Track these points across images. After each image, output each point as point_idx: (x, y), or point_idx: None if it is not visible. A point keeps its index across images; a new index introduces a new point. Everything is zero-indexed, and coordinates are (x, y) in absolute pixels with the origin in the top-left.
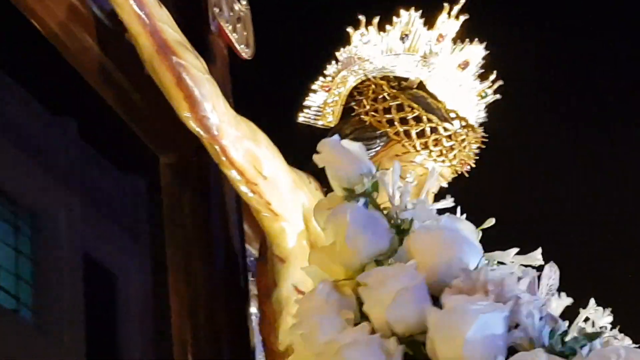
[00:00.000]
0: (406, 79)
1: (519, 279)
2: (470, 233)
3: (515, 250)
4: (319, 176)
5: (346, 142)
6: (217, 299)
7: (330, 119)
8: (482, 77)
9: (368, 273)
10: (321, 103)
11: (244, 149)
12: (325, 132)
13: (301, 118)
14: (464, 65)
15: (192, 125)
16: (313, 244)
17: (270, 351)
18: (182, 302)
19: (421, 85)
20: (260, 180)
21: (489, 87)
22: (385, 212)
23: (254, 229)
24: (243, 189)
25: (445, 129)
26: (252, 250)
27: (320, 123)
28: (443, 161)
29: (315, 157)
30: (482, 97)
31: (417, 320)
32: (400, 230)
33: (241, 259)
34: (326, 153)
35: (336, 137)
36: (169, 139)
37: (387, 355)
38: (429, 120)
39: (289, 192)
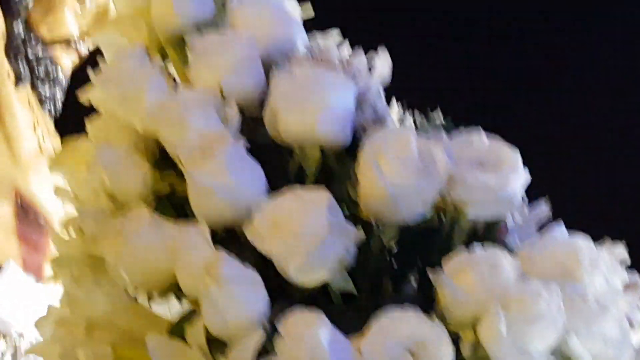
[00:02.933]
0: None
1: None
2: (294, 11)
3: (336, 30)
4: None
5: None
6: None
7: None
8: None
9: (201, 38)
10: None
11: None
12: None
13: None
14: None
15: None
16: None
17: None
18: None
19: None
20: None
21: None
22: None
23: None
24: None
25: None
26: None
27: None
28: None
29: None
30: None
31: (254, 90)
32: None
33: None
34: None
35: None
36: None
37: (224, 121)
38: None
39: None
